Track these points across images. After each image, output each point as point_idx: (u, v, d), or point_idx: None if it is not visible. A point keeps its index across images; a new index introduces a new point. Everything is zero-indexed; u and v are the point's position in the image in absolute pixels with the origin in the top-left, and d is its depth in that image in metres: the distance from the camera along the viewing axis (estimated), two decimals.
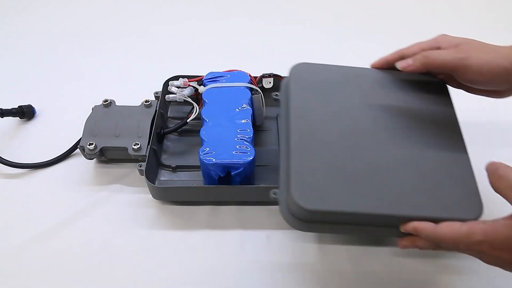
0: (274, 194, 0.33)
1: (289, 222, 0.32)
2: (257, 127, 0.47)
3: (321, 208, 0.29)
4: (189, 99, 0.44)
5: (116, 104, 0.46)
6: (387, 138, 0.33)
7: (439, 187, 0.31)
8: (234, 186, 0.39)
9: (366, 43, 0.60)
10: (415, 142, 0.33)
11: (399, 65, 0.36)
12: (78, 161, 0.45)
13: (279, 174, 0.34)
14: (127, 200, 0.42)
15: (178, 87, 0.45)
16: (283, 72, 0.46)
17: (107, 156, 0.44)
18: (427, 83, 0.37)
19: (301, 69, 0.37)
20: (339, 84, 0.36)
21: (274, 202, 0.40)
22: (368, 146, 0.33)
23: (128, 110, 0.45)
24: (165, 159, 0.45)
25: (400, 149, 0.33)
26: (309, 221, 0.31)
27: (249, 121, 0.41)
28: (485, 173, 0.29)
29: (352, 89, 0.36)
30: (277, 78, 0.46)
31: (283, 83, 0.39)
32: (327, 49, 0.59)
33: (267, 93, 0.46)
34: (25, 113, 0.48)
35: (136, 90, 0.52)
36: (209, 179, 0.39)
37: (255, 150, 0.38)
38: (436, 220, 0.29)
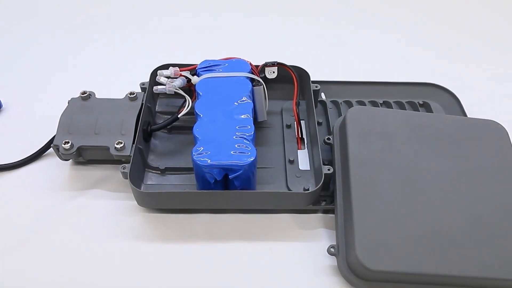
0: (333, 249, 0.35)
1: (349, 280, 0.34)
2: (259, 123, 0.46)
3: (386, 269, 0.31)
4: (181, 91, 0.43)
5: (96, 96, 0.44)
6: (451, 192, 0.35)
7: (507, 246, 0.32)
8: (232, 191, 0.38)
9: (375, 31, 0.60)
10: (481, 196, 0.35)
11: None
12: (52, 162, 0.43)
13: (336, 227, 0.36)
14: (108, 207, 0.40)
15: (168, 77, 0.43)
16: (289, 60, 0.45)
17: (85, 156, 0.42)
18: (490, 129, 0.39)
19: (358, 114, 0.40)
20: (399, 131, 0.39)
21: (278, 210, 0.40)
22: (432, 200, 0.34)
23: (110, 103, 0.44)
24: (153, 160, 0.43)
25: (465, 204, 0.34)
26: (372, 279, 0.33)
27: (250, 117, 0.39)
28: None
29: (412, 137, 0.38)
30: (282, 67, 0.45)
31: (335, 127, 0.42)
32: (334, 37, 0.59)
33: (270, 84, 0.46)
34: None
35: (120, 81, 0.50)
36: (203, 183, 0.37)
37: (256, 150, 0.37)
38: (504, 282, 0.31)
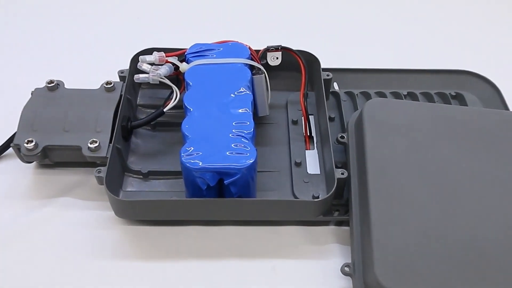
0: (348, 268, 0.35)
1: None
2: (260, 119, 0.46)
3: None
4: (167, 81, 0.43)
5: (66, 86, 0.45)
6: (491, 201, 0.35)
7: None
8: (228, 199, 0.38)
9: (398, 8, 0.61)
10: None
11: None
12: (11, 165, 0.44)
13: (352, 242, 0.36)
14: (80, 219, 0.41)
15: (152, 64, 0.44)
16: (295, 44, 0.46)
17: (52, 158, 0.43)
18: None
19: (378, 108, 0.40)
20: (427, 127, 0.39)
21: (282, 222, 0.41)
22: (467, 211, 0.34)
23: (82, 95, 0.44)
24: (134, 162, 0.44)
25: (507, 216, 0.34)
26: None
27: (249, 111, 0.40)
28: None
29: (443, 135, 0.39)
30: (287, 52, 0.46)
31: (350, 123, 0.42)
32: (348, 16, 0.60)
33: (273, 72, 0.46)
34: None
35: (94, 68, 0.51)
36: (193, 190, 0.38)
37: (256, 150, 0.38)
38: None
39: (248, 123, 0.39)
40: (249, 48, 0.45)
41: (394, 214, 0.34)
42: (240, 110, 0.40)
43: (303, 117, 0.46)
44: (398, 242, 0.33)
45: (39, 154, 0.41)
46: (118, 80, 0.46)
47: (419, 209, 0.35)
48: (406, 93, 0.50)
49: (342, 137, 0.42)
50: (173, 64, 0.43)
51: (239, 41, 0.45)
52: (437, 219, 0.34)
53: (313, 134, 0.47)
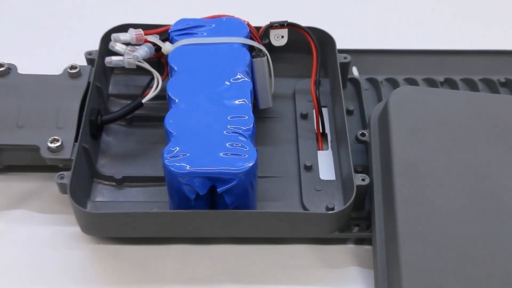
0: None
1: None
2: (261, 112, 0.46)
3: None
4: (146, 65, 0.43)
5: (19, 71, 0.45)
6: None
7: None
8: (222, 211, 0.38)
9: None
10: None
11: None
12: None
13: (375, 264, 0.37)
14: (38, 236, 0.41)
15: (127, 44, 0.44)
16: (305, 20, 0.46)
17: (2, 161, 0.43)
18: None
19: (407, 98, 0.40)
20: (468, 123, 0.39)
21: (289, 240, 0.41)
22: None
23: (40, 82, 0.44)
24: (105, 165, 0.44)
25: None
26: None
27: (248, 103, 0.40)
28: None
29: (489, 132, 0.38)
30: (294, 29, 0.45)
31: (373, 117, 0.42)
32: None
33: (277, 54, 0.46)
34: None
35: (55, 48, 0.51)
36: (179, 200, 0.38)
37: (257, 151, 0.37)
38: None
39: (247, 117, 0.39)
40: (248, 24, 0.44)
41: (428, 230, 0.34)
42: (236, 102, 0.40)
43: (314, 110, 0.46)
44: (433, 266, 0.33)
45: None
46: (85, 63, 0.46)
47: (457, 224, 0.35)
48: (443, 80, 0.50)
49: (363, 134, 0.42)
50: (154, 44, 0.43)
51: (236, 16, 0.45)
52: (479, 236, 0.34)
53: (327, 130, 0.47)
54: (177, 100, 0.40)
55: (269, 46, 0.45)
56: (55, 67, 0.45)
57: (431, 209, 0.35)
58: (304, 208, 0.41)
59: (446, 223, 0.34)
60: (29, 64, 0.46)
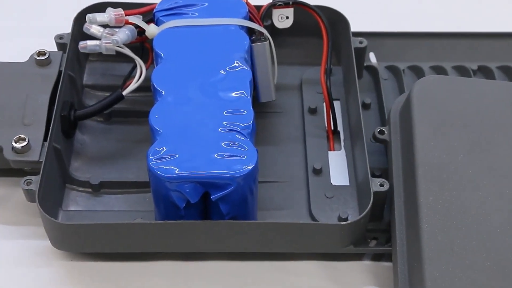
0: None
1: None
2: (263, 106, 0.47)
3: None
4: (127, 51, 0.44)
5: None
6: None
7: None
8: (217, 222, 0.38)
9: None
10: None
11: None
12: None
13: (395, 284, 0.36)
14: (1, 251, 0.41)
15: (105, 27, 0.44)
16: None
17: None
18: None
19: (433, 89, 0.40)
20: (503, 117, 0.39)
21: (296, 255, 0.41)
22: None
23: (2, 71, 0.45)
24: (79, 169, 0.45)
25: None
26: None
27: (247, 95, 0.40)
28: None
29: None
30: (301, 8, 0.46)
31: (393, 112, 0.42)
32: None
33: (281, 38, 0.46)
34: None
35: (20, 31, 0.51)
36: (167, 209, 0.38)
37: (257, 151, 0.38)
38: None
39: (246, 112, 0.39)
40: (247, 3, 0.45)
41: (458, 245, 0.34)
42: (233, 94, 0.40)
43: (324, 104, 0.47)
44: (462, 284, 0.33)
45: None
46: (55, 49, 0.47)
47: (494, 239, 0.34)
48: (476, 68, 0.50)
49: (382, 132, 0.43)
50: (136, 26, 0.44)
51: None
52: (507, 248, 0.34)
53: (339, 128, 0.47)
54: (163, 92, 0.40)
55: (272, 28, 0.45)
56: (19, 53, 0.46)
57: (462, 220, 0.35)
58: (313, 218, 0.42)
59: (480, 237, 0.34)
60: None
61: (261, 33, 0.44)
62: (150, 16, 0.44)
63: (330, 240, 0.39)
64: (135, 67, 0.44)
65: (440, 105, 0.40)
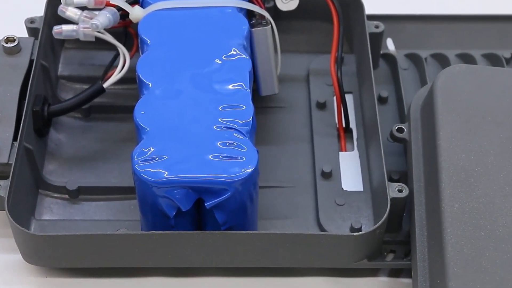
0: None
1: None
2: (264, 100, 0.47)
3: None
4: (108, 36, 0.44)
5: None
6: None
7: None
8: (212, 233, 0.38)
9: None
10: None
11: None
12: None
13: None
14: None
15: (83, 9, 0.44)
16: None
17: None
18: None
19: (459, 80, 0.41)
20: None
21: (303, 270, 0.41)
22: None
23: None
24: (54, 172, 0.45)
25: None
26: None
27: (246, 88, 0.40)
28: None
29: None
30: None
31: (413, 107, 0.42)
32: None
33: (285, 23, 0.47)
34: None
35: None
36: (155, 218, 0.39)
37: (258, 152, 0.38)
38: None
39: (244, 107, 0.39)
40: None
41: (485, 259, 0.34)
42: (230, 86, 0.40)
43: (335, 98, 0.46)
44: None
45: None
46: (26, 35, 0.47)
47: None
48: (509, 56, 0.50)
49: (401, 130, 0.42)
50: (119, 8, 0.44)
51: None
52: None
53: (352, 125, 0.47)
54: (150, 85, 0.40)
55: (275, 11, 0.46)
56: None
57: (491, 231, 0.35)
58: (322, 228, 0.42)
59: (508, 247, 0.35)
60: None
61: (262, 17, 0.44)
62: None
63: (341, 254, 0.39)
64: (117, 55, 0.44)
65: (468, 99, 0.40)
